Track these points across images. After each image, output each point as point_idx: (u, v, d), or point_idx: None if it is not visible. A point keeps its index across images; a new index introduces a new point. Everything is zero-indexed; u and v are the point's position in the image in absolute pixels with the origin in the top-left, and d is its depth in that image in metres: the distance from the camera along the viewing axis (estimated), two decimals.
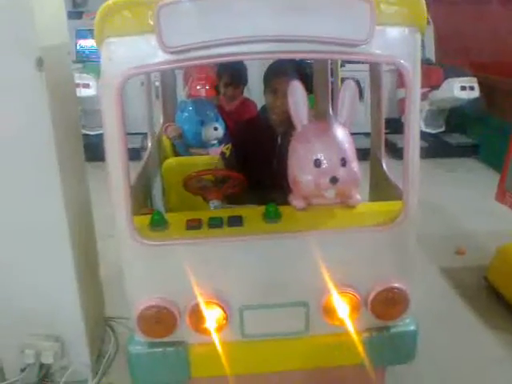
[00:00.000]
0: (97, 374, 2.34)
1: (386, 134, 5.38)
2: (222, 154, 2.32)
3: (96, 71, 5.13)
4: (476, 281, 3.14)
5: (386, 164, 2.16)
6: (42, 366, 2.22)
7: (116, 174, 1.52)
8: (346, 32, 1.39)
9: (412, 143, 1.58)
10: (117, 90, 1.41)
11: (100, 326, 2.56)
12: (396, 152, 3.97)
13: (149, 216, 1.70)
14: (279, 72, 2.08)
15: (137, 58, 1.41)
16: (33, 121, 1.91)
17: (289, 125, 1.80)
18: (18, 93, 1.88)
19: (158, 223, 1.66)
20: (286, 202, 1.76)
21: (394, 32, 1.46)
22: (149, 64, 1.42)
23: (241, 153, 2.25)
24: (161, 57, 1.39)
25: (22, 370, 2.22)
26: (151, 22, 1.35)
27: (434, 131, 5.96)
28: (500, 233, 3.15)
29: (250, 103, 3.16)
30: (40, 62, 1.81)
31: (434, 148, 5.74)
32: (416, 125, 1.58)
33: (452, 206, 4.39)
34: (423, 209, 4.12)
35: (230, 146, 2.32)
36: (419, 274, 2.94)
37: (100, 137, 1.92)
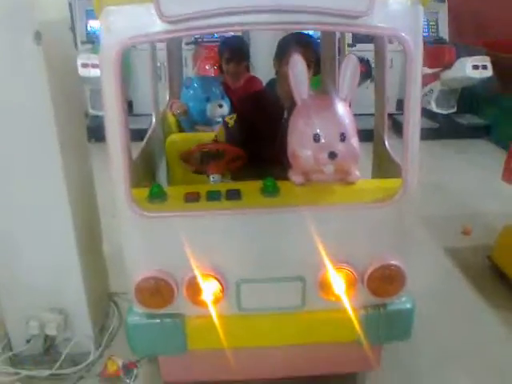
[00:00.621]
0: (100, 346, 2.39)
1: (397, 114, 5.31)
2: (225, 123, 2.31)
3: None
4: (480, 260, 3.16)
5: (388, 143, 2.15)
6: (46, 337, 2.27)
7: (115, 145, 1.54)
8: (347, 3, 1.38)
9: (412, 120, 1.56)
10: (116, 60, 1.41)
11: (104, 301, 2.61)
12: None
13: (147, 189, 1.72)
14: (301, 42, 2.07)
15: (135, 28, 1.41)
16: (32, 96, 1.91)
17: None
18: (17, 67, 1.88)
19: (157, 195, 1.68)
20: (286, 178, 1.77)
21: (395, 4, 1.45)
22: (147, 33, 1.42)
23: (245, 124, 2.24)
24: (159, 26, 1.39)
25: (28, 341, 2.28)
26: None
27: (445, 112, 5.91)
28: (508, 214, 3.14)
29: (256, 80, 3.14)
30: (38, 36, 1.81)
31: (445, 129, 5.73)
32: (417, 102, 1.56)
33: (461, 187, 4.39)
34: (432, 189, 4.14)
35: (234, 116, 2.31)
36: (424, 253, 2.99)
37: None
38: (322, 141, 1.62)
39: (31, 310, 2.23)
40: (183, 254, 1.66)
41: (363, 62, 4.00)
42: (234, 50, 3.03)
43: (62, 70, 2.04)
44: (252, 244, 1.70)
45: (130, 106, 6.12)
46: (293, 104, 1.85)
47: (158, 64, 3.25)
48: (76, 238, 2.17)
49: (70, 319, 2.29)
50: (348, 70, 1.68)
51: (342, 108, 1.68)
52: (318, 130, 1.62)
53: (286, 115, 2.16)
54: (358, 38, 5.13)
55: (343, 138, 1.63)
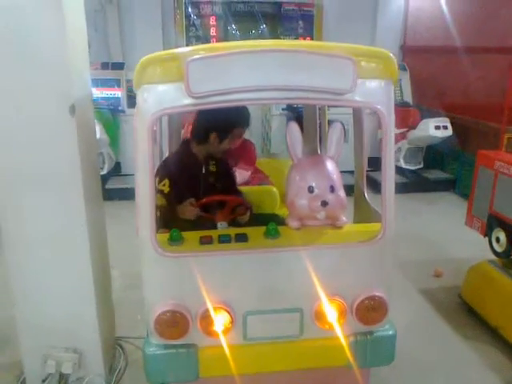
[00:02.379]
0: None
1: (369, 171, 5.81)
2: (161, 191, 2.52)
3: (98, 117, 5.55)
4: (451, 299, 3.58)
5: (367, 194, 2.53)
6: (61, 376, 2.48)
7: (144, 197, 1.85)
8: (335, 83, 1.78)
9: (388, 175, 1.94)
10: (150, 125, 1.76)
11: (111, 343, 2.85)
12: (378, 187, 4.40)
13: (167, 233, 2.03)
14: (246, 121, 2.62)
15: (167, 101, 1.77)
16: (65, 159, 2.24)
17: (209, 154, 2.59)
18: (54, 136, 2.22)
19: (176, 239, 2.00)
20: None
21: (372, 83, 1.85)
22: (176, 106, 1.79)
23: (177, 184, 2.54)
24: (186, 101, 1.75)
25: (44, 381, 2.47)
26: (179, 73, 1.73)
27: (413, 168, 6.49)
28: (474, 257, 3.55)
29: (250, 144, 3.58)
30: (73, 109, 2.17)
31: (414, 183, 6.29)
32: (391, 159, 1.95)
33: (432, 235, 4.86)
34: (406, 238, 4.61)
35: (166, 181, 2.53)
36: (400, 294, 3.35)
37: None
38: (316, 192, 2.00)
39: (48, 350, 2.45)
40: (198, 289, 1.95)
41: None
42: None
43: (87, 137, 2.39)
44: (257, 280, 2.00)
45: (118, 167, 6.50)
46: (208, 158, 2.61)
47: (155, 128, 3.65)
48: (94, 285, 2.44)
49: (84, 358, 2.52)
50: (334, 135, 2.09)
51: (330, 165, 2.08)
52: (312, 183, 2.00)
53: (204, 169, 2.66)
54: None
55: (332, 189, 2.02)
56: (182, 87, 1.73)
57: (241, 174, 3.45)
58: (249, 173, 3.59)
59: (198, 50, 1.75)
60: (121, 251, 3.27)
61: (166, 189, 2.50)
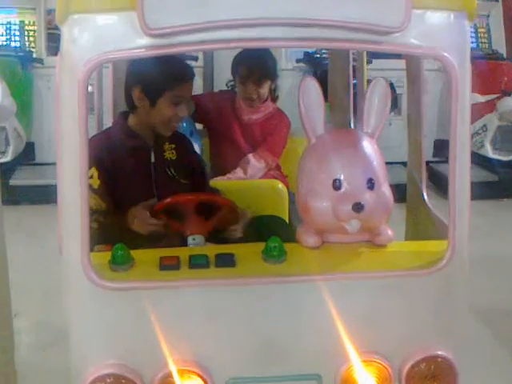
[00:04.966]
0: None
1: (437, 162, 5.81)
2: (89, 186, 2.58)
3: None
4: None
5: (429, 197, 2.54)
6: None
7: (71, 192, 1.85)
8: (376, 17, 1.78)
9: (460, 162, 1.95)
10: (82, 80, 1.75)
11: None
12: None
13: (108, 252, 2.04)
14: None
15: (110, 42, 1.76)
16: None
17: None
18: None
19: (122, 260, 2.00)
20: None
21: (436, 17, 1.86)
22: (124, 49, 1.79)
23: (112, 176, 2.61)
24: (141, 41, 1.75)
25: None
26: None
27: (505, 158, 6.51)
28: None
29: (283, 117, 3.58)
30: None
31: (507, 182, 6.25)
32: (466, 138, 1.96)
33: None
34: (492, 267, 4.54)
35: (93, 171, 2.54)
36: (486, 358, 3.33)
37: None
38: (345, 188, 2.00)
39: None
40: (155, 342, 1.95)
41: None
42: (255, 65, 3.38)
43: None
44: (249, 327, 2.01)
45: (30, 151, 6.58)
46: (158, 140, 2.63)
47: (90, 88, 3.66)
48: None
49: None
50: (376, 98, 2.10)
51: (368, 146, 2.08)
52: (339, 175, 2.01)
53: (153, 158, 2.69)
54: (374, 53, 5.64)
55: (371, 185, 2.02)
56: (135, 19, 1.74)
57: (252, 166, 3.45)
58: (263, 165, 3.51)
59: None
60: (32, 286, 3.22)
61: (95, 182, 2.53)
